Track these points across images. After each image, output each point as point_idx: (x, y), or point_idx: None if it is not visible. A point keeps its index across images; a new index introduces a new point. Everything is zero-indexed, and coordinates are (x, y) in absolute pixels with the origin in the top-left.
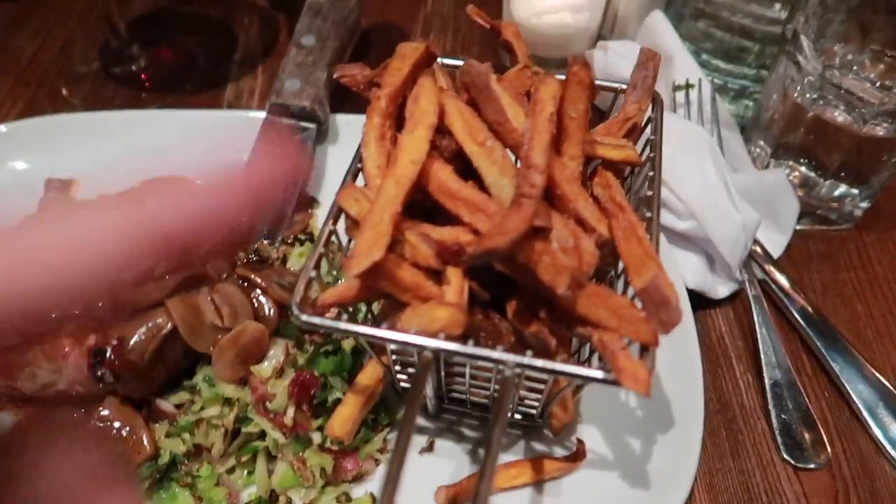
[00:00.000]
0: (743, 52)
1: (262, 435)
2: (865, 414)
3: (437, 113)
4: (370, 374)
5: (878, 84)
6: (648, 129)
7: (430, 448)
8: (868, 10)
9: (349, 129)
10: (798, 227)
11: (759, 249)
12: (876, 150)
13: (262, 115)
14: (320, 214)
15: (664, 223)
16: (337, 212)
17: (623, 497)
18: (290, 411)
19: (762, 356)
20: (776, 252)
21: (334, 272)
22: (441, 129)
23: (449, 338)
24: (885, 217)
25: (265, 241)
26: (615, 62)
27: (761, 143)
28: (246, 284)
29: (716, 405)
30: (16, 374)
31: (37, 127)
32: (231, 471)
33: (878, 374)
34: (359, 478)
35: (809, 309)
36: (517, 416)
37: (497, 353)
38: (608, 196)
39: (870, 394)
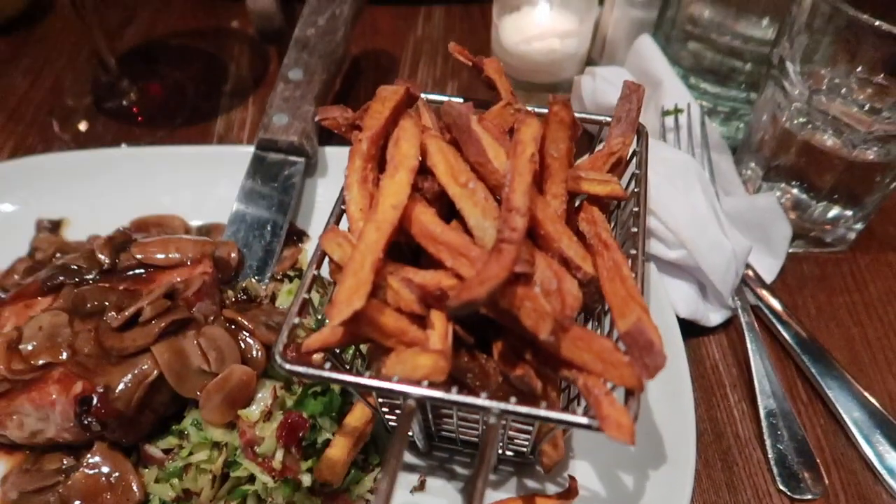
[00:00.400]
0: (733, 72)
1: (252, 479)
2: (862, 442)
3: (419, 155)
4: (359, 415)
5: (866, 107)
6: (634, 162)
7: (421, 487)
8: (854, 32)
9: (338, 161)
10: (791, 251)
11: (751, 274)
12: (868, 171)
13: (250, 150)
14: (309, 248)
15: (654, 253)
16: (321, 255)
17: None
18: (279, 455)
19: (756, 384)
20: (769, 277)
21: (322, 313)
22: (424, 170)
23: (432, 384)
24: (880, 239)
25: (254, 279)
26: (603, 89)
27: (752, 164)
28: (233, 326)
29: (710, 436)
30: (4, 423)
31: (25, 167)
32: None
33: (873, 401)
34: None
35: (804, 334)
36: (508, 453)
37: (481, 401)
38: (593, 232)
39: (866, 421)
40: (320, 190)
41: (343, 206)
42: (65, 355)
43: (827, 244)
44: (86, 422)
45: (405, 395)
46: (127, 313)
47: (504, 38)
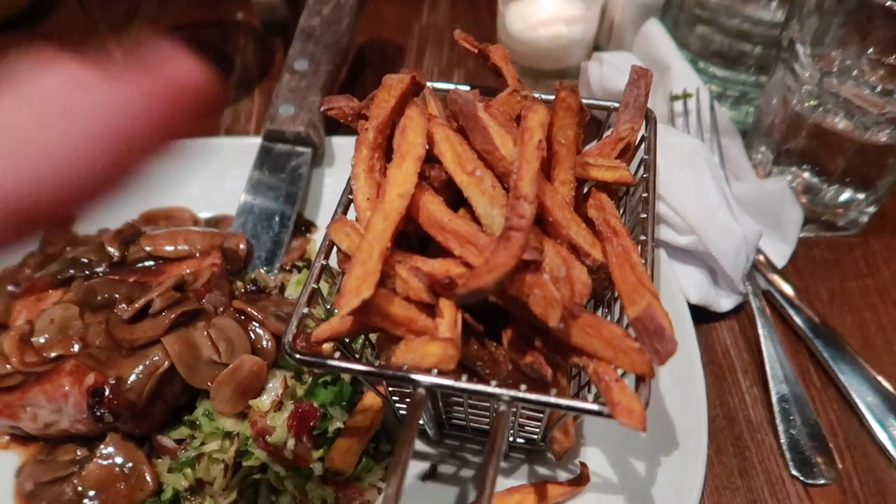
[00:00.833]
0: (742, 56)
1: (264, 468)
2: (875, 426)
3: (426, 144)
4: (369, 403)
5: (878, 89)
6: (643, 148)
7: (432, 474)
8: (866, 13)
9: (345, 151)
10: (803, 235)
11: (762, 258)
12: (880, 154)
13: (257, 141)
14: (317, 238)
15: (664, 239)
16: (329, 245)
17: None
18: (290, 444)
19: (768, 369)
20: (780, 262)
21: (331, 303)
22: (430, 159)
23: (442, 373)
24: (892, 222)
25: (262, 270)
26: (610, 75)
27: (763, 149)
28: (243, 317)
29: (722, 421)
30: (18, 415)
31: None
32: None
33: (887, 385)
34: None
35: (816, 319)
36: (519, 441)
37: (491, 389)
38: (602, 219)
39: (879, 405)
40: (328, 180)
41: (350, 196)
42: (76, 347)
43: (839, 228)
44: (98, 413)
45: (415, 384)
46: (137, 305)
47: (510, 24)
